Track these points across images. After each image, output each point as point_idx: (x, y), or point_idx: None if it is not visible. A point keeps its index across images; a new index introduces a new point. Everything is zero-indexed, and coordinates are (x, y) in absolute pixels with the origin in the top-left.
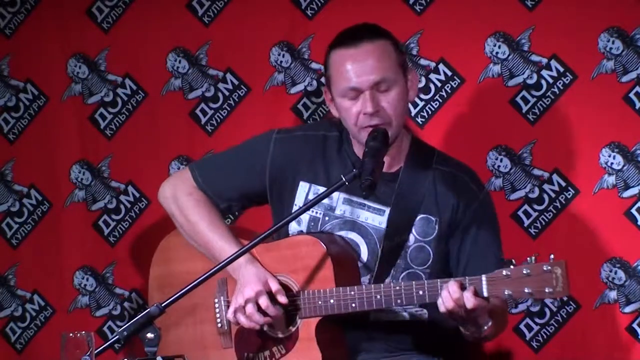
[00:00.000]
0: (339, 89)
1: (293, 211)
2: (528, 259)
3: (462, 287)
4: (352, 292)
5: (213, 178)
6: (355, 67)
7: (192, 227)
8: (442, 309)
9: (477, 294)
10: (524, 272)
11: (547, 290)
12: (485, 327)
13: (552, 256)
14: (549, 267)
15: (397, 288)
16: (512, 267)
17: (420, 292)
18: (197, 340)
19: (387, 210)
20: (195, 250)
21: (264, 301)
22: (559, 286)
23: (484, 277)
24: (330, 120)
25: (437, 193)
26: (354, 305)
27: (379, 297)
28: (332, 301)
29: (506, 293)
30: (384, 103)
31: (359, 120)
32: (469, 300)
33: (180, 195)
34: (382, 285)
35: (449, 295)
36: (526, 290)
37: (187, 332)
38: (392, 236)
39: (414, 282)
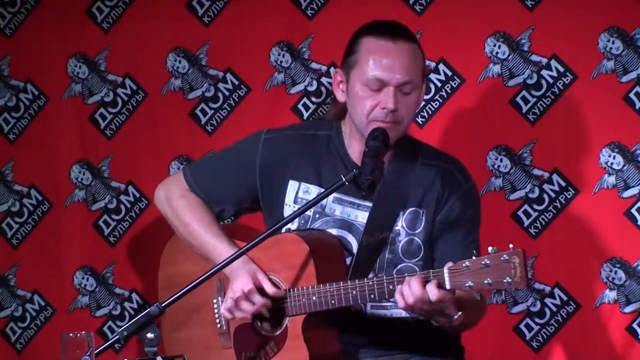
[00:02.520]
0: (365, 77)
1: (284, 210)
2: (489, 248)
3: (426, 281)
4: (332, 289)
5: (205, 180)
6: (389, 61)
7: (186, 229)
8: (401, 304)
9: (440, 286)
10: (483, 262)
11: (505, 281)
12: (455, 317)
13: (511, 245)
14: (507, 257)
15: (370, 283)
16: (473, 257)
17: (391, 287)
18: (201, 341)
19: (372, 206)
20: None
21: (249, 291)
22: (517, 276)
23: (446, 270)
24: (320, 119)
25: (423, 186)
26: (333, 301)
27: (354, 292)
28: (314, 298)
29: (467, 285)
30: (402, 104)
31: (372, 113)
32: (433, 293)
33: (173, 198)
34: (357, 280)
35: (410, 291)
36: (486, 281)
37: (191, 334)
38: (372, 232)
39: (384, 277)
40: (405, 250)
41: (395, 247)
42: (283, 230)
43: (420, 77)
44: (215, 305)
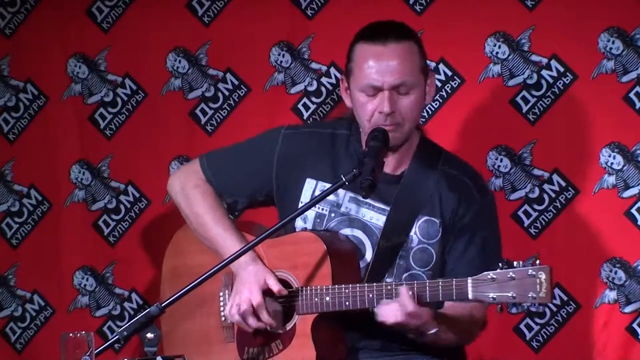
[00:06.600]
0: (360, 84)
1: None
2: (515, 263)
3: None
4: (347, 290)
5: (221, 171)
6: (379, 65)
7: (197, 219)
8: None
9: (418, 300)
10: (509, 275)
11: (530, 295)
12: (430, 332)
13: (537, 261)
14: (534, 272)
15: (389, 287)
16: (498, 270)
17: (410, 293)
18: (203, 333)
19: (389, 209)
20: None
21: (259, 309)
22: (542, 292)
23: (469, 280)
24: (338, 119)
25: (441, 195)
26: (347, 303)
27: (371, 295)
28: (327, 298)
29: (491, 297)
30: (400, 105)
31: (373, 118)
32: (410, 304)
33: (187, 187)
34: (374, 284)
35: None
36: (510, 294)
37: (195, 325)
38: (389, 236)
39: (404, 282)
40: (417, 257)
41: (407, 253)
42: (298, 229)
43: (417, 74)
44: (222, 298)
